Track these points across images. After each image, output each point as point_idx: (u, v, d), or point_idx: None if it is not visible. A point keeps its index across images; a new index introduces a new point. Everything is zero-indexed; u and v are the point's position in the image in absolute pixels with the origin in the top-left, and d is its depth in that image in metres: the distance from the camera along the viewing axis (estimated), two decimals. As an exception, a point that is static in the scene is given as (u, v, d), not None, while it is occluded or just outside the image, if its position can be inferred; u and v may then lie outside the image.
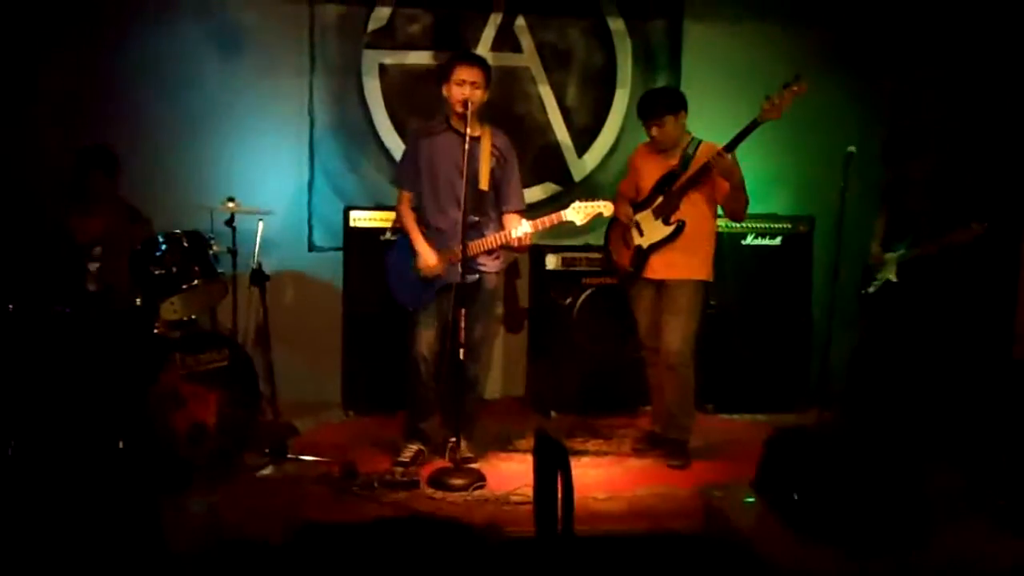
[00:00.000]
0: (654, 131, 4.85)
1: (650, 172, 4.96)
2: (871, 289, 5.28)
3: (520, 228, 4.63)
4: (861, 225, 5.39)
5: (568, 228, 4.83)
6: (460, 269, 4.51)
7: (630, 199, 5.04)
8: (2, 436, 4.21)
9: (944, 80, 6.14)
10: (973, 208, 5.02)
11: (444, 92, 4.65)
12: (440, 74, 4.76)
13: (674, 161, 4.87)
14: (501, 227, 4.77)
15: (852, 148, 4.82)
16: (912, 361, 5.09)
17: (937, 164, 5.14)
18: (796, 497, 3.37)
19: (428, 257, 4.67)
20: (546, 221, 4.65)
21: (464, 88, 4.54)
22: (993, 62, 5.92)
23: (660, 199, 4.87)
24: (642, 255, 4.92)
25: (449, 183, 4.69)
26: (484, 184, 4.66)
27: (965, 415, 4.90)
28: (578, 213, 4.65)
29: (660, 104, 4.86)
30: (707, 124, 5.02)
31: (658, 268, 4.90)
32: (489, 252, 4.73)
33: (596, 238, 5.49)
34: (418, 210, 4.80)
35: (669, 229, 4.83)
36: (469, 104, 4.50)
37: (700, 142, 4.86)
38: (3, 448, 4.16)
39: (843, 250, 5.03)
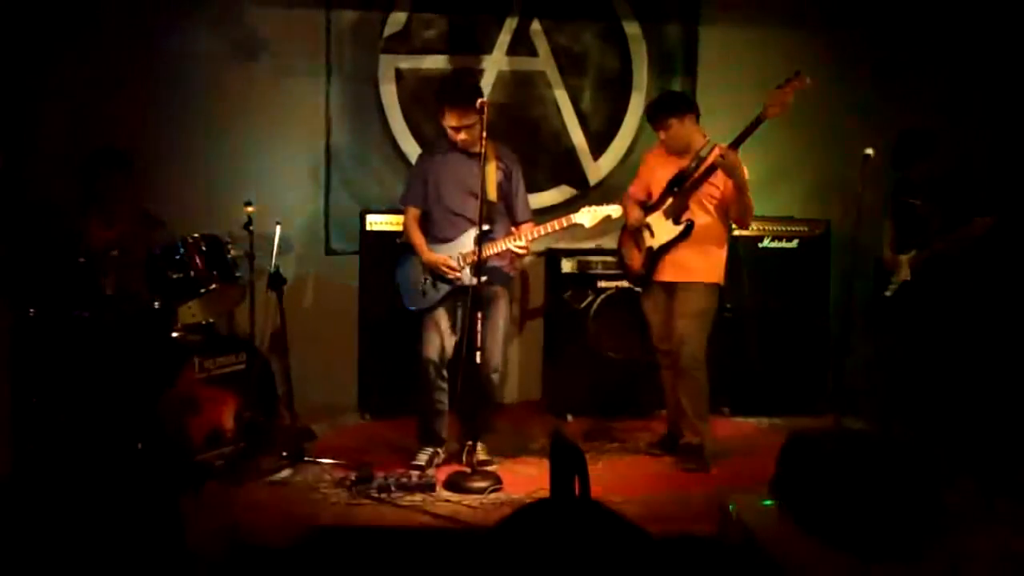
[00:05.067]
0: (661, 135, 4.92)
1: (662, 174, 4.97)
2: (888, 292, 5.25)
3: (513, 243, 4.69)
4: (878, 228, 5.37)
5: (583, 231, 4.85)
6: (471, 274, 4.61)
7: (640, 202, 5.05)
8: (22, 438, 4.24)
9: (950, 80, 6.14)
10: (980, 205, 5.01)
11: (441, 120, 4.73)
12: (435, 100, 4.84)
13: (686, 163, 4.88)
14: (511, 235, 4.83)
15: (869, 150, 4.81)
16: (936, 362, 5.07)
17: (943, 165, 5.13)
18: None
19: (442, 260, 4.73)
20: (556, 224, 4.71)
21: (459, 134, 4.65)
22: (999, 62, 5.93)
23: (671, 200, 4.88)
24: (653, 256, 4.92)
25: (457, 198, 4.78)
26: (493, 196, 4.72)
27: (990, 417, 4.88)
28: (587, 216, 4.71)
29: (661, 109, 4.95)
30: (723, 128, 5.00)
31: (669, 270, 4.90)
32: (499, 256, 4.77)
33: (611, 241, 5.49)
34: (426, 224, 4.88)
35: (679, 229, 4.84)
36: (464, 141, 4.64)
37: (715, 145, 4.87)
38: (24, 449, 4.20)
39: (860, 253, 5.01)
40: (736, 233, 5.61)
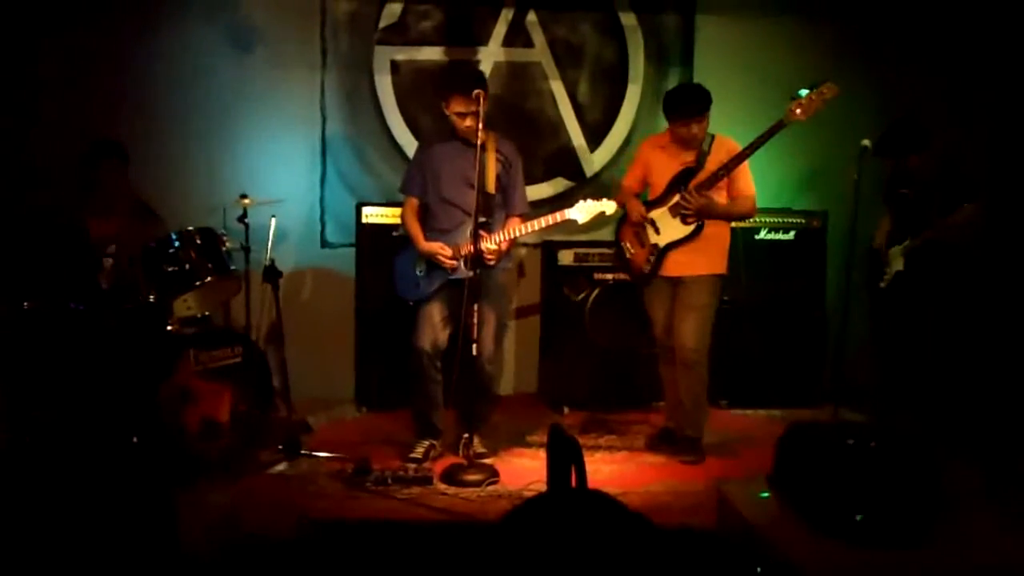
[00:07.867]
0: (694, 129, 4.75)
1: (664, 168, 4.90)
2: (883, 284, 5.25)
3: (490, 240, 4.63)
4: (874, 219, 5.36)
5: (578, 223, 4.82)
6: (464, 265, 4.62)
7: (636, 193, 5.01)
8: (18, 431, 4.23)
9: (946, 70, 6.13)
10: (970, 194, 5.00)
11: (444, 110, 4.68)
12: (439, 89, 4.79)
13: (690, 158, 4.83)
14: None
15: (866, 142, 4.80)
16: (934, 352, 5.07)
17: (936, 155, 5.12)
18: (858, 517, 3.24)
19: (437, 247, 4.71)
20: (549, 219, 4.66)
21: (465, 120, 4.59)
22: (995, 51, 5.93)
23: (676, 197, 4.83)
24: (659, 254, 4.88)
25: (455, 189, 4.75)
26: (491, 188, 4.70)
27: (989, 406, 4.89)
28: (581, 212, 4.66)
29: (703, 102, 4.77)
30: (720, 120, 4.99)
31: (675, 266, 4.86)
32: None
33: (608, 234, 5.48)
34: (425, 214, 4.86)
35: (688, 229, 4.80)
36: (470, 128, 4.57)
37: (714, 137, 4.84)
38: (19, 442, 4.18)
39: (857, 244, 5.01)
40: (733, 225, 5.59)
